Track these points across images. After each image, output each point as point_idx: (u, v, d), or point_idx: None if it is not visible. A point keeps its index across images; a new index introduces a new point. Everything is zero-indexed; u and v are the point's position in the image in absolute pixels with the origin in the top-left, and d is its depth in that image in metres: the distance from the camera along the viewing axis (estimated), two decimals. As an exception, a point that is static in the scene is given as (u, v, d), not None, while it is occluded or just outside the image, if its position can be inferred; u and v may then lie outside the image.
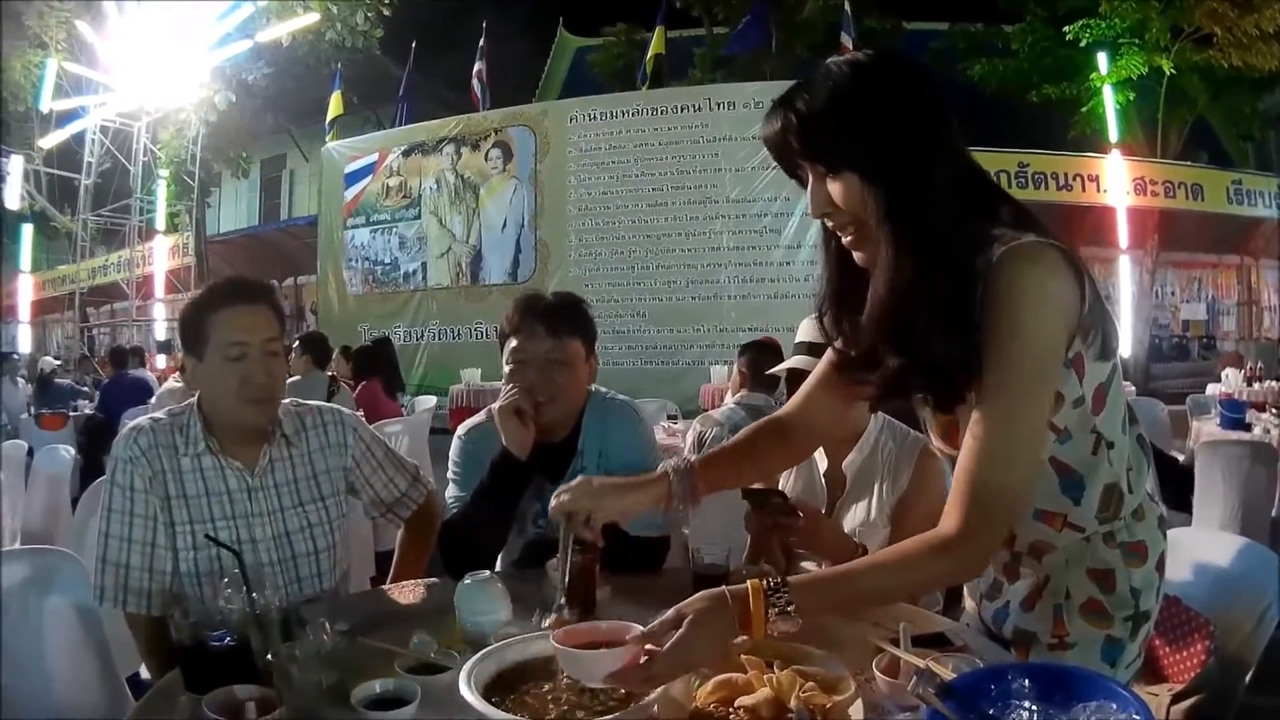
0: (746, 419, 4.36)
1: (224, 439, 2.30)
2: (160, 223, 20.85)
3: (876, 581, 1.54)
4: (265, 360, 2.26)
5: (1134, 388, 10.46)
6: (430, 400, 10.11)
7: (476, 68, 18.08)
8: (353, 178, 17.92)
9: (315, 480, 2.42)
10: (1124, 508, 1.66)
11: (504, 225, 16.35)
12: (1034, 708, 1.19)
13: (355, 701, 1.47)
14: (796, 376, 2.77)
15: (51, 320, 29.21)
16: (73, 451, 5.16)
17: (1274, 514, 5.18)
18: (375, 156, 17.79)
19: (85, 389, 12.61)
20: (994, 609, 1.83)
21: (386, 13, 19.65)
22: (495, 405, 2.48)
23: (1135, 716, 1.14)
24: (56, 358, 18.11)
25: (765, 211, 14.19)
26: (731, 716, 1.43)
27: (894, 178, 1.51)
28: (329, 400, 5.43)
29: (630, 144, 15.31)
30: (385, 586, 2.46)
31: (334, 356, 8.19)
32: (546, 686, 1.52)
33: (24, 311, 22.28)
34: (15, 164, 19.91)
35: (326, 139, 18.92)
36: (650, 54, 16.88)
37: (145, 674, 2.34)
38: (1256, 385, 8.19)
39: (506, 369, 2.53)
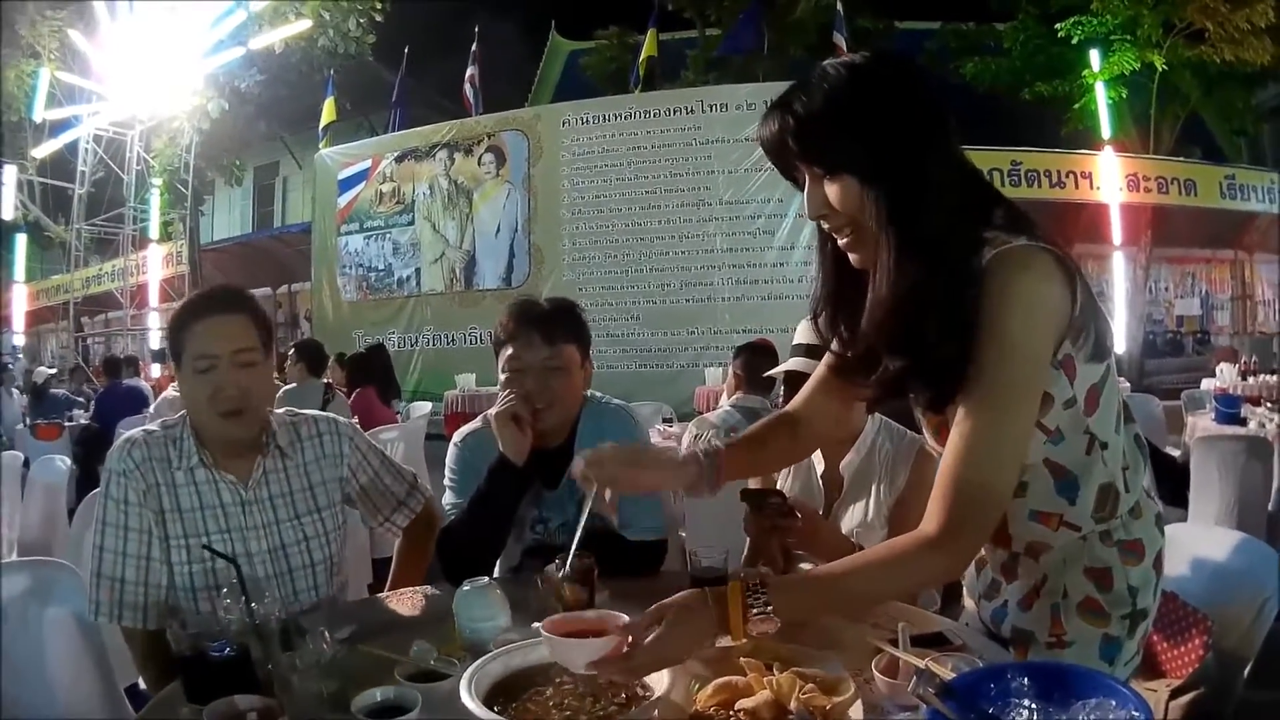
0: (742, 421, 4.37)
1: (215, 451, 2.27)
2: (154, 231, 20.76)
3: (858, 582, 1.55)
4: (236, 371, 2.20)
5: (1128, 384, 10.46)
6: (425, 406, 10.08)
7: (469, 72, 18.11)
8: (346, 184, 17.92)
9: (311, 492, 2.40)
10: (1120, 506, 1.66)
11: (497, 230, 16.35)
12: (1034, 706, 1.19)
13: (356, 710, 1.47)
14: (794, 378, 2.77)
15: (46, 330, 29.12)
16: (68, 462, 5.15)
17: (1270, 508, 5.18)
18: (368, 163, 17.79)
19: (80, 399, 12.60)
20: (992, 608, 1.84)
21: (379, 19, 19.62)
22: (492, 411, 2.47)
23: (1135, 713, 1.14)
24: (51, 368, 18.06)
25: (759, 213, 14.21)
26: (731, 719, 1.44)
27: (891, 179, 1.51)
28: (324, 408, 5.43)
29: (623, 147, 15.32)
30: (384, 594, 2.43)
31: (329, 364, 8.17)
32: (548, 692, 1.53)
33: (18, 322, 22.23)
34: (9, 174, 19.81)
35: (320, 145, 18.93)
36: (643, 57, 16.93)
37: (145, 685, 2.33)
38: (1251, 380, 8.23)
39: (503, 376, 2.52)
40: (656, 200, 14.98)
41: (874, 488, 2.69)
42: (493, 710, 1.41)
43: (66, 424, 9.88)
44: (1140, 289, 18.34)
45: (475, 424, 2.66)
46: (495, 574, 2.50)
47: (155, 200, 20.51)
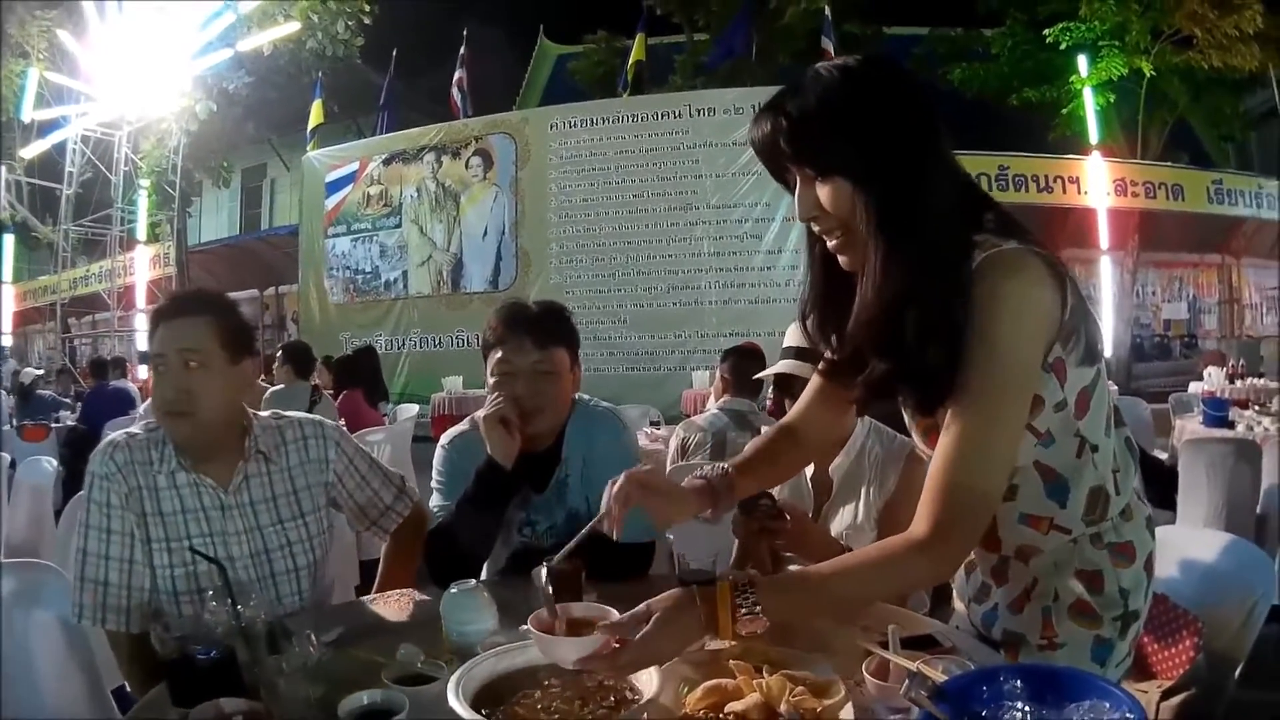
0: (730, 424, 4.38)
1: (194, 454, 2.26)
2: (141, 233, 20.73)
3: (847, 583, 1.54)
4: (181, 373, 2.18)
5: (1116, 387, 10.46)
6: (412, 409, 10.04)
7: (457, 76, 18.12)
8: (334, 186, 17.92)
9: (295, 497, 2.38)
10: (1111, 509, 1.66)
11: (485, 233, 16.35)
12: (1027, 709, 1.19)
13: (342, 713, 1.46)
14: (784, 381, 2.77)
15: (33, 331, 29.02)
16: (55, 463, 5.14)
17: (1258, 511, 5.20)
18: (356, 165, 17.79)
19: (67, 400, 12.53)
20: (982, 611, 1.83)
21: (367, 21, 19.64)
22: (480, 414, 2.45)
23: (1129, 715, 1.14)
24: (38, 369, 17.98)
25: (746, 217, 14.26)
26: (721, 722, 1.43)
27: (883, 182, 1.51)
28: (311, 410, 5.41)
29: (610, 151, 15.34)
30: (370, 596, 2.41)
31: (316, 366, 8.14)
32: (536, 695, 1.51)
33: (5, 323, 22.14)
34: (-3, 174, 19.84)
35: (307, 148, 18.89)
36: (631, 61, 16.92)
37: (130, 689, 2.31)
38: (1239, 383, 8.23)
39: (491, 380, 2.51)
40: (644, 204, 15.01)
41: (863, 491, 2.68)
42: (480, 714, 1.40)
43: (53, 425, 9.82)
44: (1128, 293, 18.39)
45: (462, 426, 2.64)
46: (483, 576, 2.49)
47: (143, 201, 20.48)
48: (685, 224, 14.76)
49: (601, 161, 15.37)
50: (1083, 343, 1.55)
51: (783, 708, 1.39)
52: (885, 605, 1.93)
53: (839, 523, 2.69)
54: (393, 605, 2.27)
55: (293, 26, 18.60)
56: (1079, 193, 16.86)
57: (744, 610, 1.43)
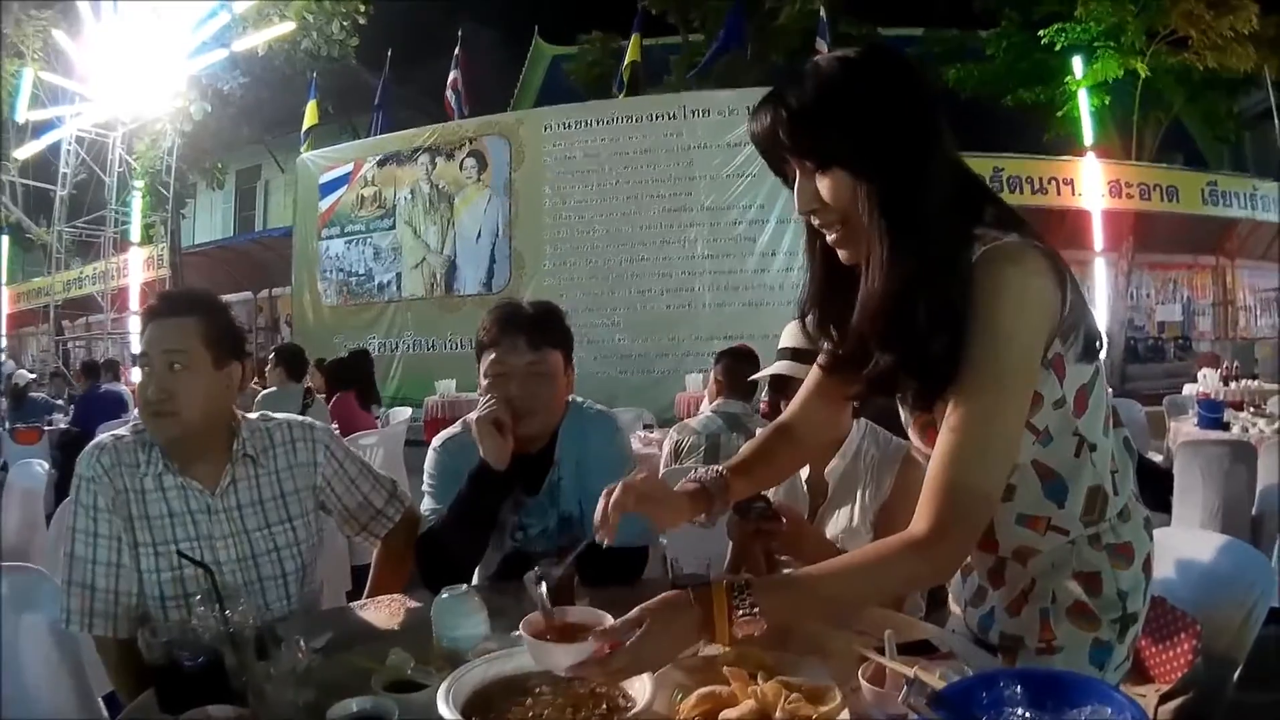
0: (724, 427, 4.37)
1: (181, 457, 2.24)
2: (135, 234, 20.67)
3: (845, 582, 1.52)
4: (165, 374, 2.17)
5: (1110, 389, 10.48)
6: (405, 412, 10.04)
7: (451, 77, 18.14)
8: (328, 188, 17.91)
9: (283, 501, 2.36)
10: (1109, 510, 1.65)
11: (478, 235, 16.35)
12: (1027, 714, 1.18)
13: (331, 720, 1.44)
14: (780, 382, 2.76)
15: (26, 333, 29.00)
16: (47, 466, 5.11)
17: (1253, 512, 5.20)
18: (350, 166, 17.79)
19: (60, 402, 12.53)
20: (979, 614, 1.83)
21: (362, 22, 19.60)
22: (473, 416, 2.43)
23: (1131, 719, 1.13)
24: (31, 371, 17.95)
25: (740, 219, 14.25)
26: (716, 729, 1.41)
27: (883, 173, 1.50)
28: (303, 412, 5.39)
29: (605, 152, 15.34)
30: (360, 602, 2.40)
31: (309, 369, 8.13)
32: (527, 703, 1.50)
33: (0, 324, 22.12)
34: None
35: (302, 149, 18.91)
36: (626, 62, 16.93)
37: (119, 695, 2.29)
38: (1233, 385, 8.24)
39: (484, 381, 2.48)
40: (638, 206, 15.00)
41: (859, 493, 2.67)
42: (470, 721, 1.38)
43: (46, 428, 9.82)
44: (1122, 295, 18.46)
45: (454, 429, 2.62)
46: (474, 581, 2.47)
47: (137, 203, 20.42)
48: (679, 226, 14.75)
49: (596, 163, 15.36)
50: (1081, 339, 1.54)
51: (778, 714, 1.37)
52: (881, 610, 1.93)
53: (834, 526, 2.68)
54: (383, 611, 2.25)
55: (287, 27, 18.58)
56: (1074, 194, 16.95)
57: (741, 612, 1.40)
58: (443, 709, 1.41)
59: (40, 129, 19.45)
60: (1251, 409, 7.15)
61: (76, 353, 24.50)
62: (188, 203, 22.54)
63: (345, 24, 19.45)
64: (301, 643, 1.61)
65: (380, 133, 18.57)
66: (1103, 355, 1.62)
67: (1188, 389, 9.57)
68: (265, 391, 7.02)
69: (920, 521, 1.48)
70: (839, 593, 1.53)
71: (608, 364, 14.30)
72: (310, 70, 19.49)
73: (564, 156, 15.62)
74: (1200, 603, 2.02)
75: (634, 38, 17.11)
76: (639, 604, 1.46)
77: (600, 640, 1.43)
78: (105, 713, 2.28)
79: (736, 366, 4.61)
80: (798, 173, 1.60)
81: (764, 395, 3.03)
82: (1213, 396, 7.54)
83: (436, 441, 2.63)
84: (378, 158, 17.50)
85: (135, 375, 15.56)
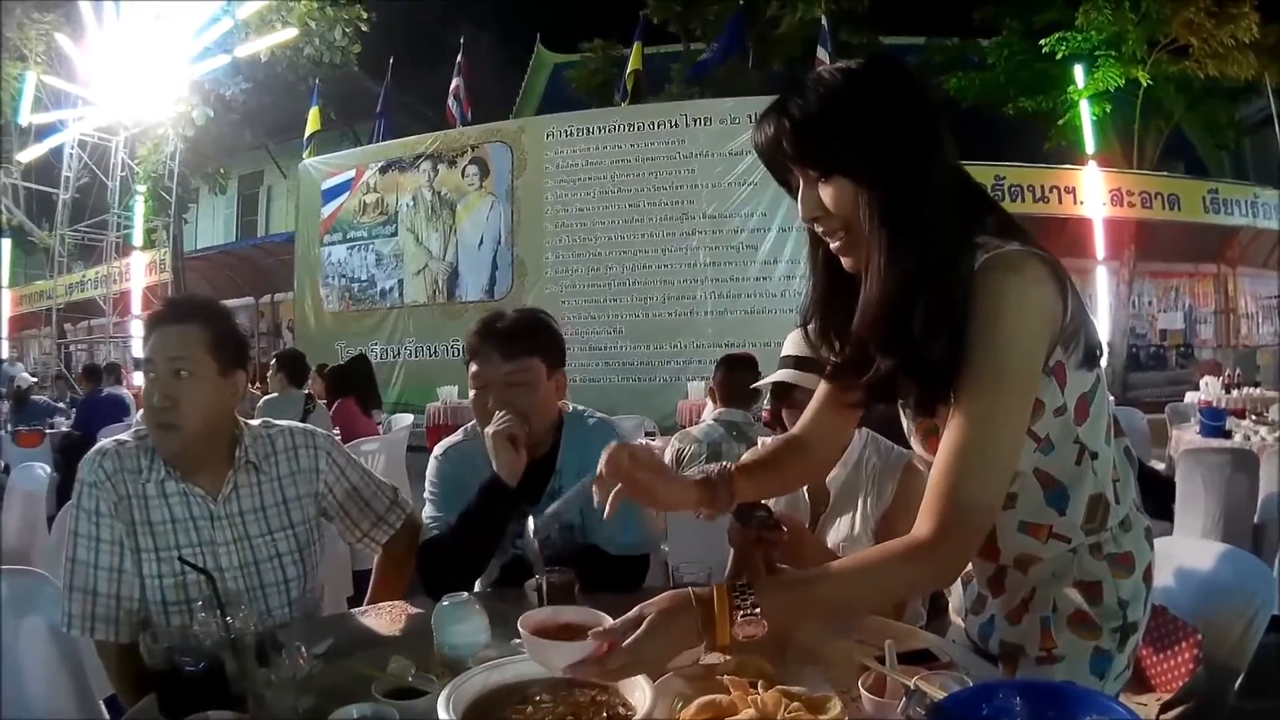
0: (725, 435, 4.35)
1: (183, 464, 2.24)
2: (137, 239, 20.66)
3: (848, 584, 1.51)
4: (170, 381, 2.17)
5: (1112, 397, 10.44)
6: (407, 418, 10.01)
7: (454, 84, 18.13)
8: (330, 194, 17.92)
9: (285, 507, 2.36)
10: (1111, 518, 1.65)
11: (480, 242, 16.36)
12: (1027, 727, 1.17)
13: (331, 727, 1.44)
14: (782, 390, 2.75)
15: (28, 336, 28.99)
16: (49, 469, 5.11)
17: (1256, 520, 5.19)
18: (352, 173, 17.79)
19: (62, 406, 12.53)
20: (979, 623, 1.82)
21: (365, 28, 19.61)
22: (488, 430, 2.42)
23: (1130, 732, 1.13)
24: (33, 374, 17.95)
25: (742, 227, 14.26)
26: (716, 738, 1.40)
27: (886, 181, 1.51)
28: (305, 418, 5.39)
29: (607, 160, 15.35)
30: (361, 609, 2.39)
31: (311, 375, 8.13)
32: (527, 710, 1.49)
33: (2, 328, 22.10)
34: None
35: (304, 155, 18.93)
36: (628, 70, 16.95)
37: (121, 699, 2.29)
38: (1235, 392, 8.27)
39: (471, 393, 2.51)
40: (640, 213, 15.01)
41: (860, 502, 2.67)
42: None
43: (48, 431, 9.82)
44: (1124, 303, 18.45)
45: (456, 436, 2.63)
46: (474, 589, 2.47)
47: (139, 207, 20.42)
48: (681, 233, 14.76)
49: (598, 170, 15.37)
50: (1082, 347, 1.55)
51: (778, 723, 1.37)
52: (881, 619, 1.92)
53: (836, 534, 2.68)
54: (384, 617, 2.24)
55: (290, 33, 18.59)
56: (1075, 203, 16.94)
57: (742, 613, 1.39)
58: (443, 716, 1.40)
59: (43, 132, 19.49)
60: (1254, 416, 7.16)
61: (78, 356, 24.50)
62: (190, 207, 22.58)
63: (348, 31, 19.46)
64: (302, 649, 1.61)
65: (382, 139, 18.62)
66: (1104, 363, 1.62)
67: (1190, 397, 9.59)
68: (266, 397, 7.02)
69: (922, 525, 1.48)
70: (840, 594, 1.52)
71: (609, 371, 14.33)
72: (312, 76, 19.50)
73: (566, 164, 15.63)
74: (1201, 612, 2.02)
75: (636, 46, 17.13)
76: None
77: (599, 639, 1.42)
78: (106, 716, 2.29)
79: (737, 374, 4.58)
80: (801, 181, 1.60)
81: (766, 404, 3.03)
82: (1215, 404, 7.58)
83: (438, 449, 2.63)
84: (380, 164, 17.50)
85: (137, 379, 15.66)
